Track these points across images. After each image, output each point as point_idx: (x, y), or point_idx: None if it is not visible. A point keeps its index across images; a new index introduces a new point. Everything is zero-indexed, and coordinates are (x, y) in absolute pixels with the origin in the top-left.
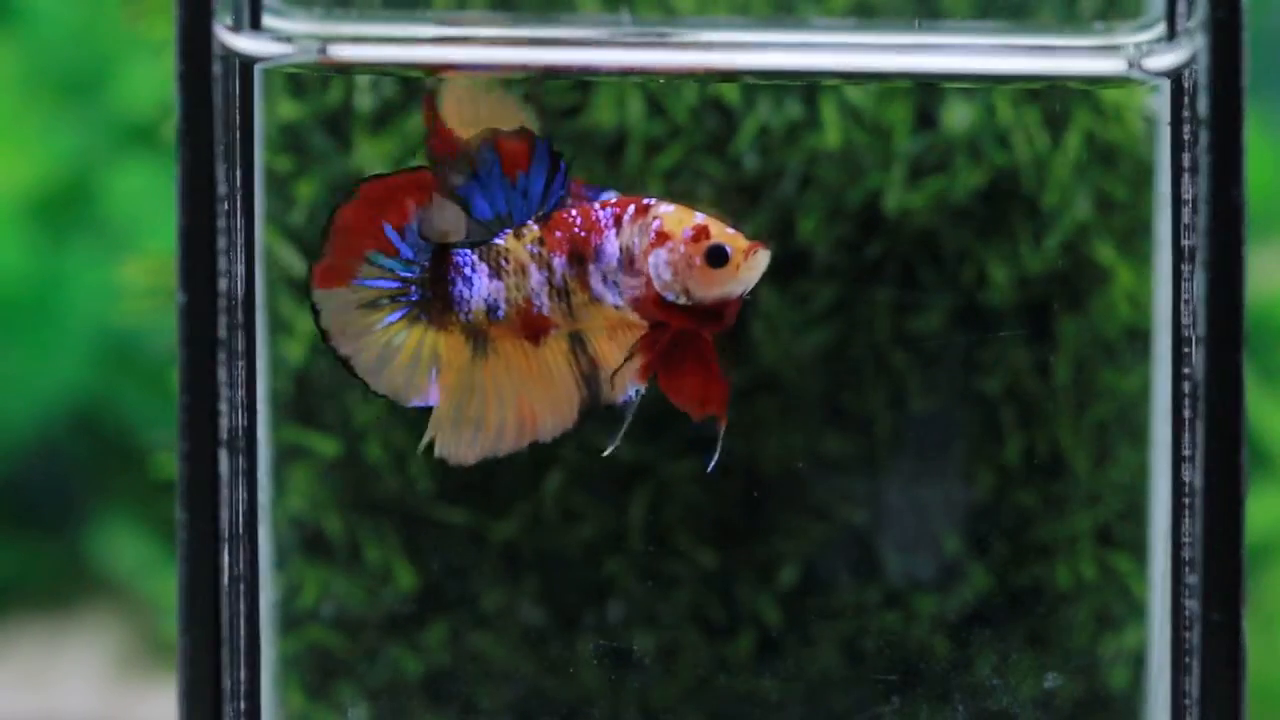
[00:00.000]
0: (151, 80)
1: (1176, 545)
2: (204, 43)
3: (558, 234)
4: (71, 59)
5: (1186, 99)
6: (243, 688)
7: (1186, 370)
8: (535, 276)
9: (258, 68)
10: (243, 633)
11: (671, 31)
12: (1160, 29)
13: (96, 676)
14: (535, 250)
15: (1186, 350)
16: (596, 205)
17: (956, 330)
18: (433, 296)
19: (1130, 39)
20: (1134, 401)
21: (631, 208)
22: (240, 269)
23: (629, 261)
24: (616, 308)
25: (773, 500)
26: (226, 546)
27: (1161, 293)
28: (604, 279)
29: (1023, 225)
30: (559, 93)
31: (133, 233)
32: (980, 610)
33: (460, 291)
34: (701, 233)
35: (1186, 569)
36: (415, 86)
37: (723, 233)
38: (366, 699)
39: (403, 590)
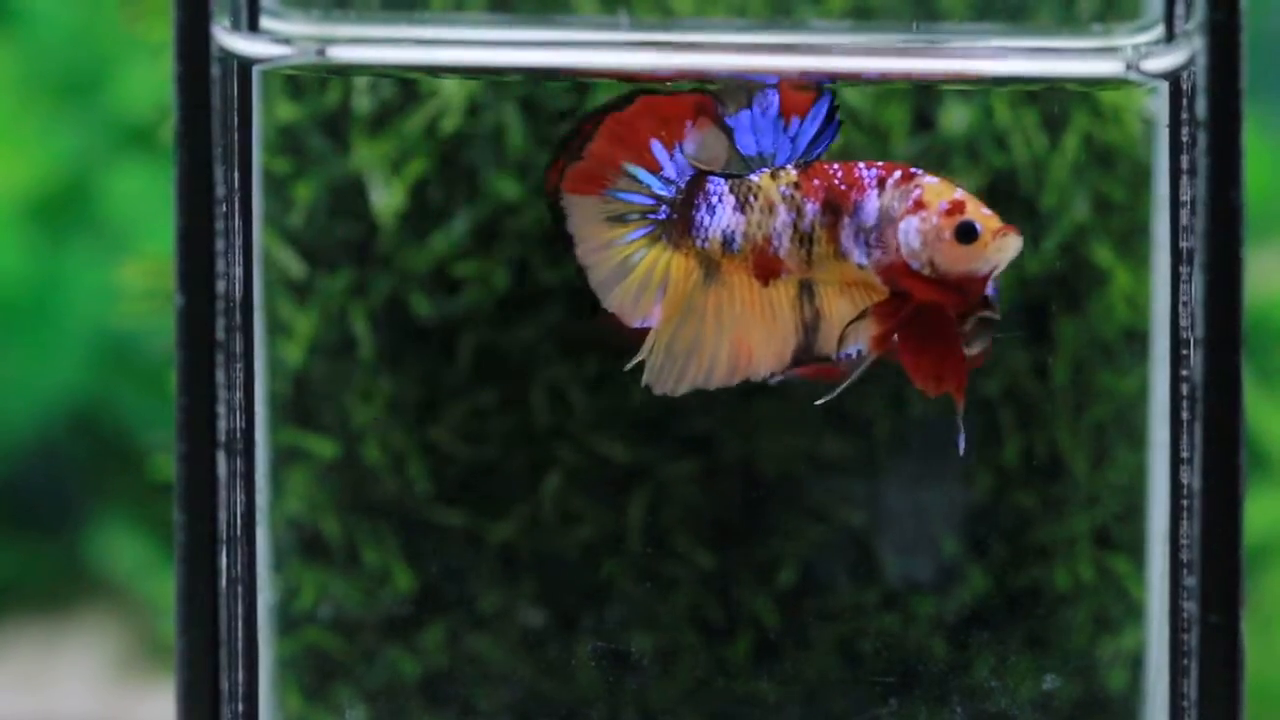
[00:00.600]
0: (150, 82)
1: (1175, 547)
2: (202, 44)
3: (815, 182)
4: (70, 61)
5: (1185, 101)
6: (241, 689)
7: (1185, 372)
8: (782, 218)
9: (256, 69)
10: (241, 634)
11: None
12: (1158, 31)
13: (94, 678)
14: (788, 193)
15: (1185, 352)
16: (861, 164)
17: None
18: (677, 219)
19: (1128, 41)
20: (1132, 403)
21: (897, 173)
22: (238, 271)
23: (885, 224)
24: (860, 267)
25: (771, 502)
26: (224, 548)
27: (1160, 294)
28: (856, 235)
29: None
30: (555, 94)
31: (131, 234)
32: (979, 612)
33: (702, 218)
34: (956, 207)
35: (1185, 571)
36: (413, 88)
37: (978, 211)
38: (364, 701)
39: (400, 592)
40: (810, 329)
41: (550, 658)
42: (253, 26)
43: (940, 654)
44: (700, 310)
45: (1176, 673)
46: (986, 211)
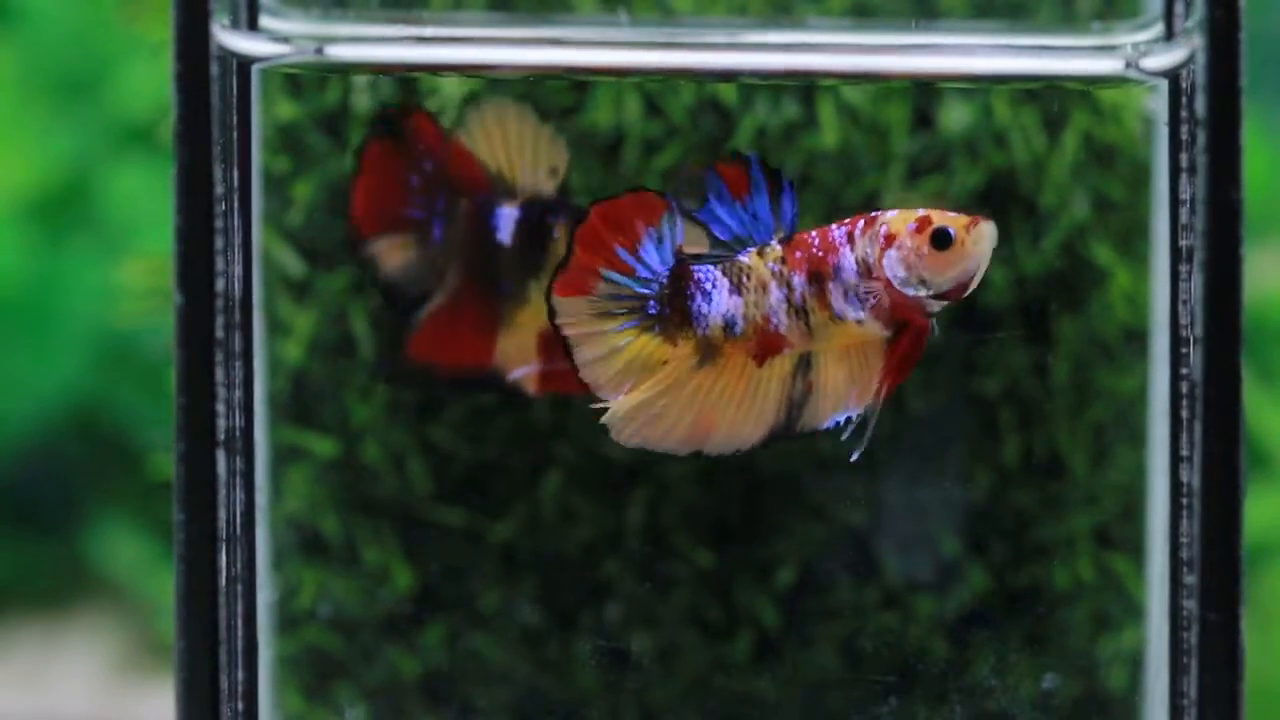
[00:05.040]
0: (149, 80)
1: (1175, 546)
2: (201, 43)
3: (798, 254)
4: (69, 59)
5: (1184, 99)
6: (240, 689)
7: (1184, 371)
8: (775, 294)
9: (255, 68)
10: (240, 634)
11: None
12: (1158, 29)
13: (94, 677)
14: (776, 269)
15: (1184, 351)
16: (833, 226)
17: (954, 331)
18: (670, 311)
19: (1128, 39)
20: (1132, 402)
21: (861, 221)
22: (238, 269)
23: (866, 272)
24: (859, 322)
25: (771, 501)
26: (224, 547)
27: (1159, 293)
28: (844, 295)
29: (1020, 226)
30: (556, 93)
31: (130, 233)
32: (978, 611)
33: (699, 306)
34: (923, 223)
35: (1185, 569)
36: (413, 87)
37: (943, 216)
38: (364, 700)
39: (400, 591)
40: (797, 404)
41: (550, 657)
42: (252, 25)
43: (940, 653)
44: (681, 386)
45: (1176, 671)
46: (952, 215)
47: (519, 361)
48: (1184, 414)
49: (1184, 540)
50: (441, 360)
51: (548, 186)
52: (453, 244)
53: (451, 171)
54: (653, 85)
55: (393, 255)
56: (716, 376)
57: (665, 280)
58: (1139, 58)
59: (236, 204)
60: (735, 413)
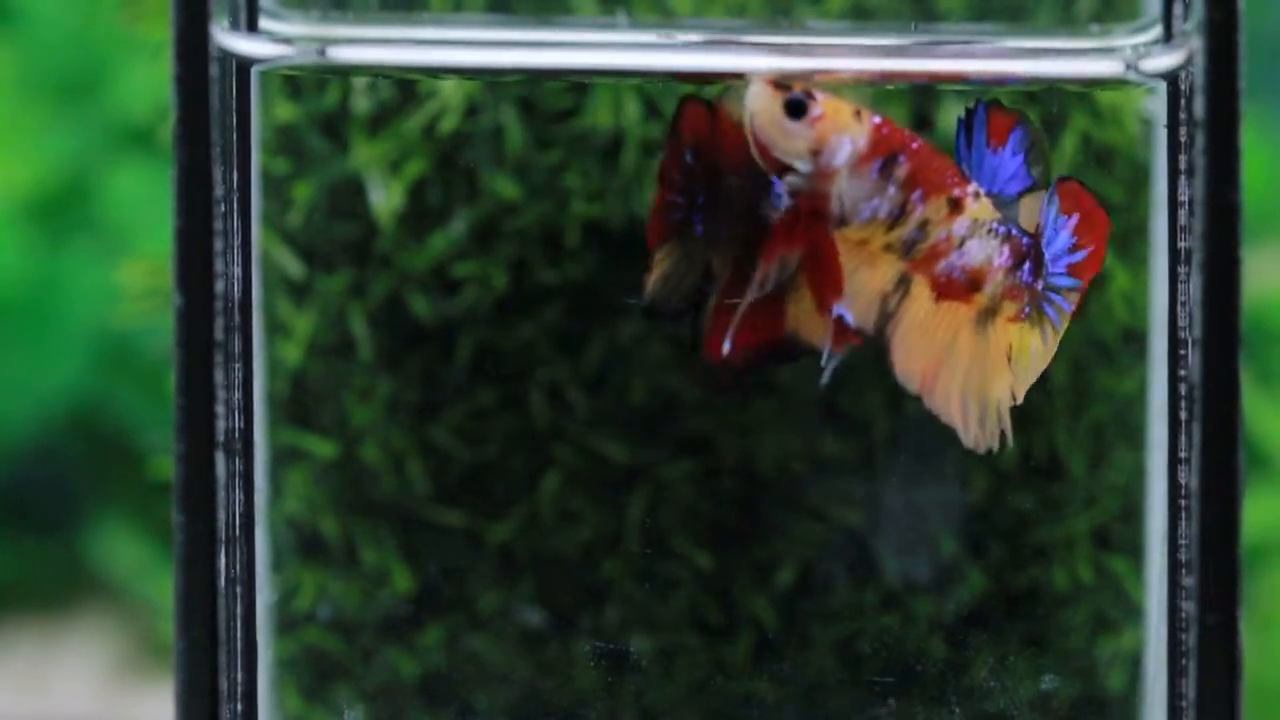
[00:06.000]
0: (149, 82)
1: (1173, 547)
2: (201, 44)
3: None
4: (69, 61)
5: (1183, 101)
6: (239, 689)
7: (1183, 372)
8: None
9: (255, 69)
10: (239, 635)
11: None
12: (1157, 31)
13: (94, 678)
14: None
15: (1183, 352)
16: None
17: None
18: None
19: (1127, 41)
20: (1130, 403)
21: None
22: (237, 271)
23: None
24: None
25: (770, 502)
26: (223, 549)
27: (1158, 294)
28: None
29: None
30: (555, 94)
31: (130, 235)
32: (977, 612)
33: None
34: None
35: (1183, 571)
36: (412, 89)
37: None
38: (363, 701)
39: (399, 592)
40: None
41: (549, 658)
42: (251, 27)
43: (939, 654)
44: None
45: (1175, 673)
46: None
47: (813, 323)
48: (1182, 415)
49: (1182, 542)
50: (742, 350)
51: None
52: (720, 232)
53: (725, 155)
54: (652, 87)
55: (661, 264)
56: None
57: None
58: (1138, 60)
59: (236, 205)
60: None
